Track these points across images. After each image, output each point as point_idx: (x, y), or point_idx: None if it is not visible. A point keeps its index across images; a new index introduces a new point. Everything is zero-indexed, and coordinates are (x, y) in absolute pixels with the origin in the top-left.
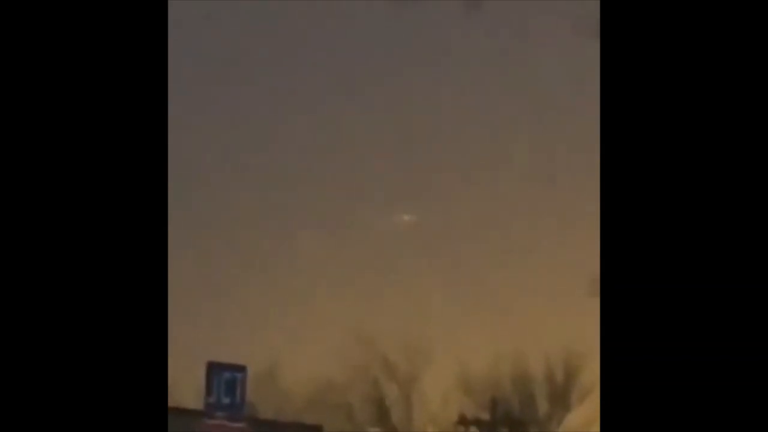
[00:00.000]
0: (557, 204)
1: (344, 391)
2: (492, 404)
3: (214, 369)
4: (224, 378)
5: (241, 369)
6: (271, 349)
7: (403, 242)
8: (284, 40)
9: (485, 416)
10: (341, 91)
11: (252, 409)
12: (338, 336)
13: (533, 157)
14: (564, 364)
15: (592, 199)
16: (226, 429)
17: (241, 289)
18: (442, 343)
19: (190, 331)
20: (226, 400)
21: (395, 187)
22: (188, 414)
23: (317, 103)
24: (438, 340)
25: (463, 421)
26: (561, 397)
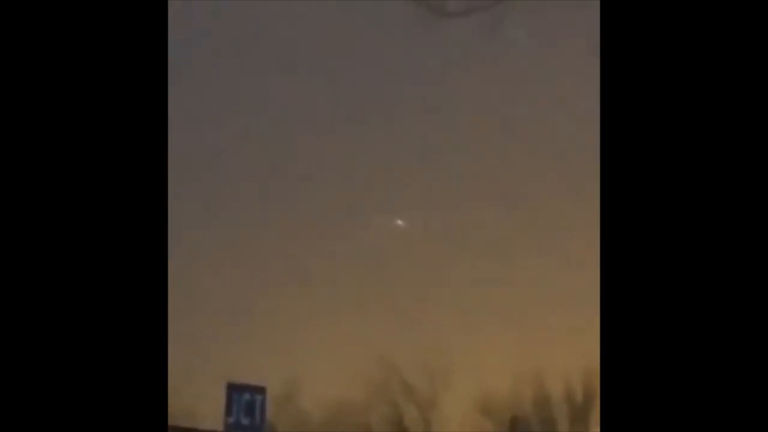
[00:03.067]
0: (581, 221)
1: (363, 412)
2: (512, 425)
3: (233, 390)
4: (244, 399)
5: (261, 390)
6: (290, 371)
7: (421, 264)
8: (293, 48)
9: None
10: (354, 109)
11: (272, 429)
12: (357, 357)
13: (547, 176)
14: (584, 385)
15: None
16: None
17: (260, 310)
18: (461, 364)
19: (210, 352)
20: (245, 421)
21: (413, 209)
22: None
23: (328, 119)
24: (457, 361)
25: None
26: (581, 418)
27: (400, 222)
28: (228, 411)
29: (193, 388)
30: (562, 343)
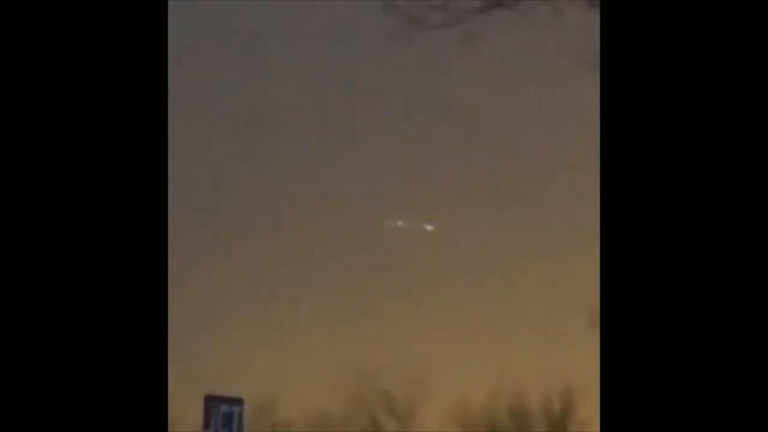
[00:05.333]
0: (555, 236)
1: (342, 425)
2: None
3: (211, 402)
4: (221, 411)
5: (239, 402)
6: (268, 382)
7: (399, 277)
8: (289, 52)
9: None
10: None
11: None
12: (336, 369)
13: (530, 188)
14: (561, 397)
15: (590, 230)
16: None
17: (238, 321)
18: (439, 377)
19: (188, 364)
20: None
21: (396, 219)
22: None
23: (326, 127)
24: (436, 373)
25: None
26: (558, 430)
27: (380, 233)
28: (206, 423)
29: (171, 399)
30: (541, 356)
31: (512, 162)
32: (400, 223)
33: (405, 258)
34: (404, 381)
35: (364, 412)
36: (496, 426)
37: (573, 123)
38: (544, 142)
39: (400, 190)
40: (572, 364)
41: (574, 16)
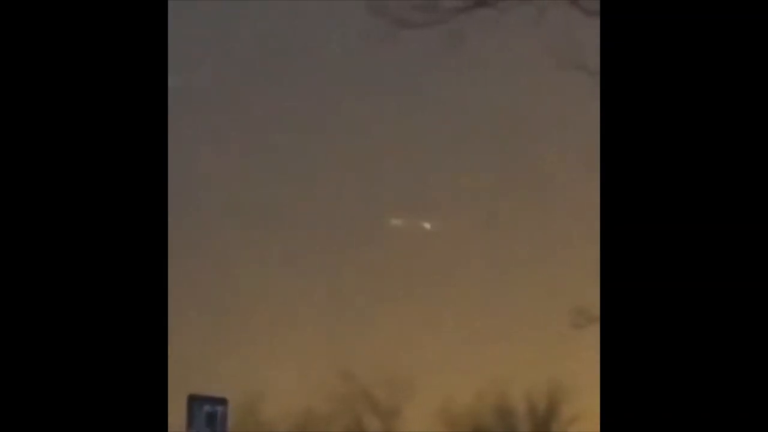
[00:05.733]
0: (547, 237)
1: (326, 425)
2: None
3: (194, 402)
4: (205, 411)
5: (222, 402)
6: (252, 382)
7: (384, 275)
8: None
9: None
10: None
11: None
12: (320, 369)
13: (524, 187)
14: (546, 396)
15: (575, 232)
16: None
17: (222, 321)
18: (424, 377)
19: (171, 363)
20: None
21: (374, 225)
22: None
23: (321, 126)
24: (420, 373)
25: None
26: (543, 430)
27: (368, 234)
28: (189, 423)
29: None
30: (527, 356)
31: (505, 161)
32: (395, 221)
33: (393, 259)
34: (388, 381)
35: (349, 412)
36: (481, 426)
37: (566, 121)
38: (537, 142)
39: (395, 189)
40: (558, 364)
41: (556, 14)
